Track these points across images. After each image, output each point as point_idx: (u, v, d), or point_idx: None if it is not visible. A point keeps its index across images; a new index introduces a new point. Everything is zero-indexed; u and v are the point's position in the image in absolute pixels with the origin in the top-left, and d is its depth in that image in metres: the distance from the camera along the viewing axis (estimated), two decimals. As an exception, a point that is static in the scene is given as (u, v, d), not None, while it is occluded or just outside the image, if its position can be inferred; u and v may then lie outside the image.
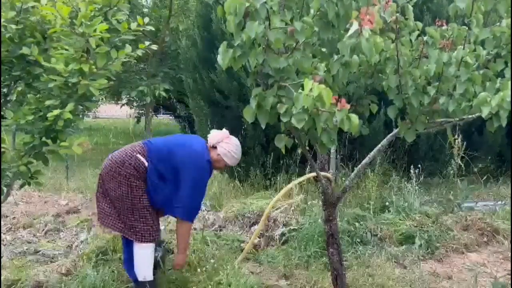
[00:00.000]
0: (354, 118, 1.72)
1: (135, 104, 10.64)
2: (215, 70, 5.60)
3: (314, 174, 2.81)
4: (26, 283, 2.87)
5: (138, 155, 2.61)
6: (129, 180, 2.58)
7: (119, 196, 2.60)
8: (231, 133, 2.83)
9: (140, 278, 2.67)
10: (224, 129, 2.80)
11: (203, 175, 2.66)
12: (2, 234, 3.82)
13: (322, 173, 2.55)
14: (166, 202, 2.66)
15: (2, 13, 2.17)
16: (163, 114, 16.03)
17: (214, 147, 2.69)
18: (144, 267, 2.66)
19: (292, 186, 3.62)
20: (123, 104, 11.55)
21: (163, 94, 7.21)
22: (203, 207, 4.12)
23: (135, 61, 2.53)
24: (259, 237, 3.71)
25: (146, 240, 2.63)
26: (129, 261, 2.75)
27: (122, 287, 2.85)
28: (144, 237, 2.62)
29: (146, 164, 2.60)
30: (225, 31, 5.22)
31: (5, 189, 2.19)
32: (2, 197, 2.23)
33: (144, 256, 2.65)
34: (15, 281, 2.87)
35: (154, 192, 2.63)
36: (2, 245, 3.58)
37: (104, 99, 11.25)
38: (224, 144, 2.69)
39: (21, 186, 2.33)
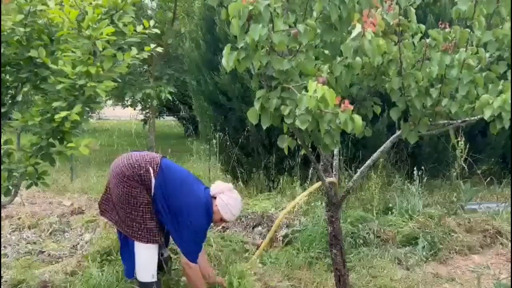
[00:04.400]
0: (358, 119, 1.73)
1: (139, 106, 10.70)
2: (219, 72, 5.62)
3: (320, 183, 2.82)
4: (31, 283, 2.89)
5: (150, 168, 2.62)
6: (132, 182, 2.60)
7: (120, 195, 2.62)
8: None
9: (142, 280, 2.66)
10: (229, 183, 2.80)
11: (202, 225, 2.65)
12: (7, 234, 3.85)
13: (328, 179, 2.56)
14: (171, 230, 2.69)
15: (10, 16, 2.21)
16: (166, 116, 16.07)
17: (214, 198, 2.67)
18: (146, 268, 2.66)
19: (306, 194, 3.68)
20: (126, 106, 11.61)
21: (169, 96, 7.24)
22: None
23: (139, 63, 2.55)
24: (262, 238, 3.74)
25: (146, 241, 2.63)
26: (131, 268, 2.74)
27: (127, 287, 2.88)
28: (144, 238, 2.62)
29: (153, 181, 2.62)
30: (228, 33, 5.24)
31: (12, 189, 2.22)
32: (9, 197, 2.26)
33: (146, 257, 2.65)
34: (20, 281, 2.90)
35: (162, 216, 2.65)
36: (7, 245, 3.61)
37: (111, 101, 11.28)
38: (224, 196, 2.66)
39: (28, 186, 2.35)
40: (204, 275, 2.77)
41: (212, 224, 2.86)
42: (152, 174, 2.61)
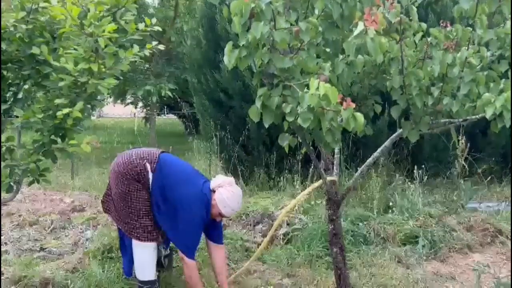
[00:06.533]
0: (360, 117, 1.74)
1: (140, 104, 10.72)
2: (220, 70, 5.63)
3: (321, 182, 2.79)
4: (32, 279, 2.90)
5: (147, 164, 2.61)
6: (129, 180, 2.61)
7: (118, 193, 2.64)
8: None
9: (141, 278, 2.67)
10: (231, 177, 2.75)
11: (199, 217, 2.58)
12: (8, 231, 3.86)
13: (329, 177, 2.56)
14: (166, 228, 2.65)
15: (13, 14, 2.22)
16: (167, 113, 16.09)
17: (214, 191, 2.61)
18: (144, 267, 2.67)
19: (306, 193, 3.66)
20: (127, 103, 11.63)
21: (169, 94, 7.26)
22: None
23: (141, 61, 2.56)
24: (263, 236, 3.75)
25: (144, 239, 2.63)
26: (129, 267, 2.77)
27: (127, 285, 2.89)
28: (142, 236, 2.63)
29: (150, 176, 2.60)
30: (229, 31, 5.24)
31: (14, 186, 2.23)
32: (11, 193, 2.26)
33: (143, 256, 2.66)
34: (21, 278, 2.91)
35: (158, 211, 2.62)
36: (8, 242, 3.62)
37: (111, 98, 11.30)
38: (223, 189, 2.59)
39: (30, 183, 2.36)
40: (217, 276, 2.77)
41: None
42: (149, 170, 2.61)
